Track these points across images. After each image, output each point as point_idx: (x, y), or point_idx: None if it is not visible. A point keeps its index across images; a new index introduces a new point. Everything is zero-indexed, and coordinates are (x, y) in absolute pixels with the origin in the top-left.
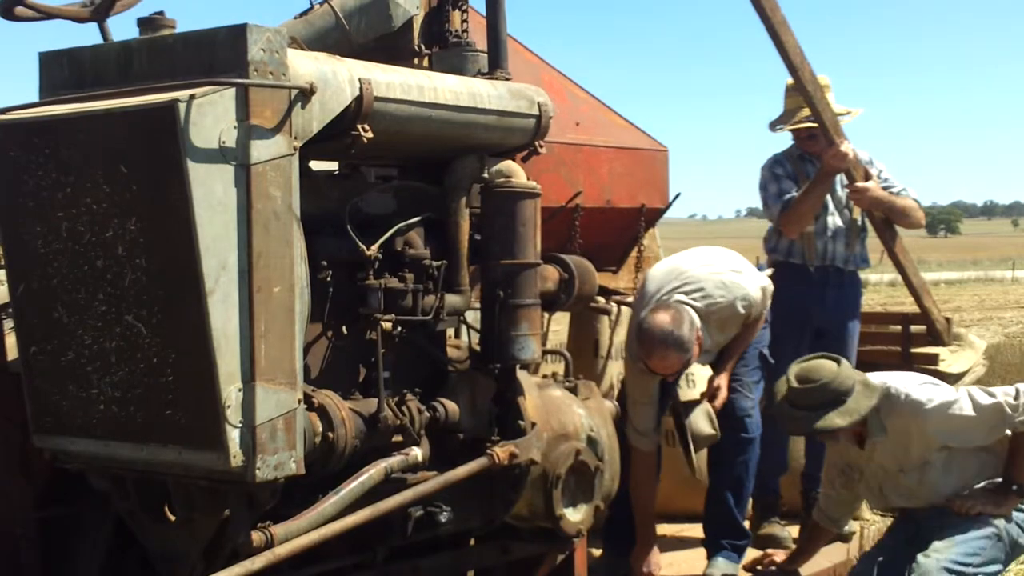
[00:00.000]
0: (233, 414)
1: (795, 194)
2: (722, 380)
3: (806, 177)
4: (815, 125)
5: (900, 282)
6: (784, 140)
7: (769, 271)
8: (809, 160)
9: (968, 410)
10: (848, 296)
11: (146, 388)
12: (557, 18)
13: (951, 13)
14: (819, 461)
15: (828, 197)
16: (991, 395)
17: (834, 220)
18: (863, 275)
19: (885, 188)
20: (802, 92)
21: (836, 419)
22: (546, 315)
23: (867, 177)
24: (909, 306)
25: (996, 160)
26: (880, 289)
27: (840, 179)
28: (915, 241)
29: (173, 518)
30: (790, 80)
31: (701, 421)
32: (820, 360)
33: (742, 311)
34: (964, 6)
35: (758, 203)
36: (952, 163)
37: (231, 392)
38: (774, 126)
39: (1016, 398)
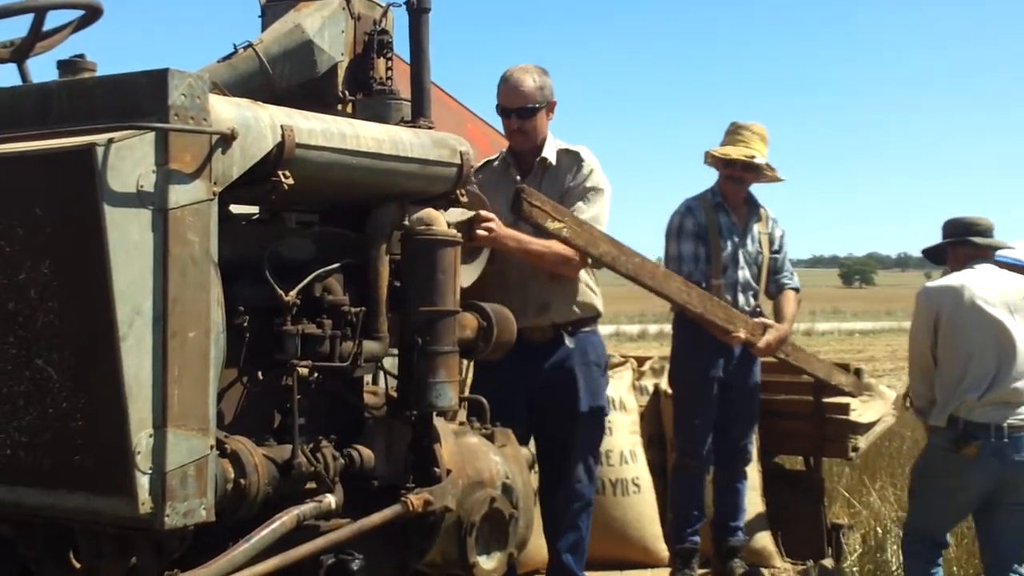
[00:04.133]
0: (143, 460)
1: (694, 273)
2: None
3: (716, 229)
4: (753, 166)
5: (815, 331)
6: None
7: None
8: (724, 209)
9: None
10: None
11: (55, 433)
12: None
13: (870, 70)
14: (728, 510)
15: (738, 251)
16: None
17: (743, 274)
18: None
19: (776, 262)
20: (695, 311)
21: None
22: (465, 362)
23: (765, 328)
24: (823, 356)
25: (911, 213)
26: (796, 338)
27: (754, 234)
28: (831, 291)
29: (79, 566)
30: (736, 121)
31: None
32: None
33: (586, 165)
34: (887, 64)
35: None
36: (868, 215)
37: (142, 438)
38: (708, 156)
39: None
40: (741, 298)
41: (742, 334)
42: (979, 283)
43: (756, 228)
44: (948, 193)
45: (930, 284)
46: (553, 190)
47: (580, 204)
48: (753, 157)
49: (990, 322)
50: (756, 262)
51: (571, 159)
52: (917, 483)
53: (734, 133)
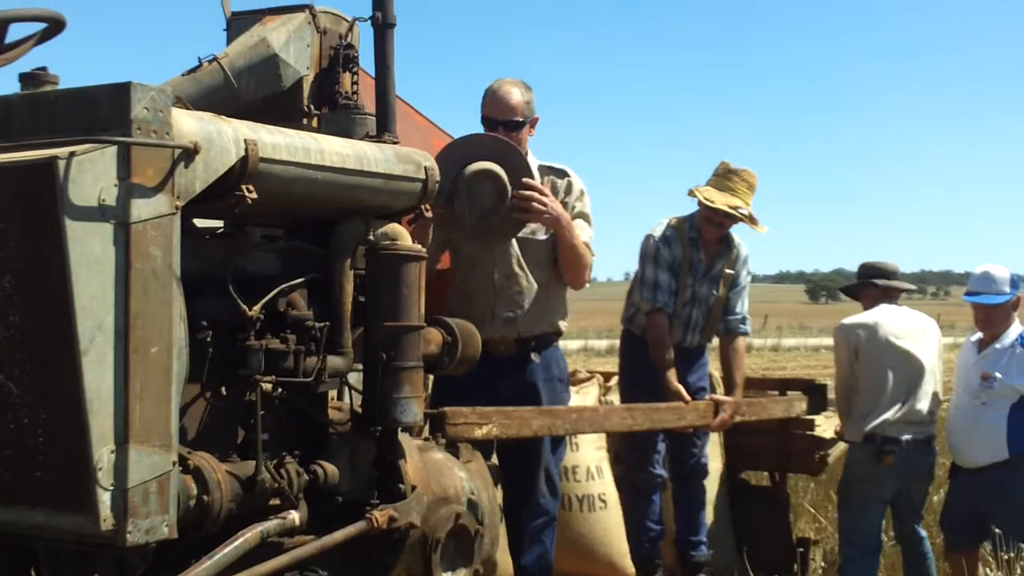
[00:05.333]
0: (105, 476)
1: (668, 304)
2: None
3: (690, 265)
4: (735, 218)
5: (782, 347)
6: (681, 207)
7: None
8: (696, 246)
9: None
10: (697, 370)
11: (15, 449)
12: (450, 82)
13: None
14: (689, 524)
15: (693, 292)
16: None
17: (697, 313)
18: (748, 339)
19: (729, 301)
20: (645, 428)
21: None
22: (429, 378)
23: (716, 407)
24: (789, 371)
25: (877, 229)
26: (763, 354)
27: (715, 276)
28: (797, 307)
29: None
30: (727, 164)
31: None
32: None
33: (575, 185)
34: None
35: None
36: (834, 231)
37: (103, 454)
38: (692, 193)
39: None
40: (689, 336)
41: (695, 425)
42: (888, 319)
43: (721, 269)
44: (915, 209)
45: (845, 321)
46: None
47: (580, 222)
48: (737, 208)
49: (901, 353)
50: (707, 302)
51: (556, 175)
52: (845, 494)
53: (723, 177)
